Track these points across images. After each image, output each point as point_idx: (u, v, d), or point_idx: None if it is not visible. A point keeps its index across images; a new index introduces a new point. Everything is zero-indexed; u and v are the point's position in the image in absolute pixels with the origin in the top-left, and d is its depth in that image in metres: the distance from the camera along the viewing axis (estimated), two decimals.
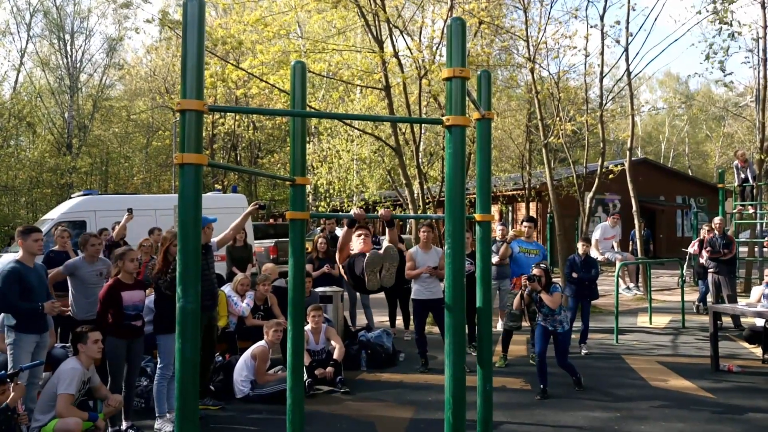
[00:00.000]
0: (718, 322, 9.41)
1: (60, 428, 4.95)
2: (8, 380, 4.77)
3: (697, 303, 12.27)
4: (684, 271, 12.27)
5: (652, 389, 7.04)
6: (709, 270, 10.92)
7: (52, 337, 6.06)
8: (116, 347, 5.62)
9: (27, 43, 34.88)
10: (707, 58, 15.30)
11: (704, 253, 11.06)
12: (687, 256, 14.32)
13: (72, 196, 15.42)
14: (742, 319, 10.53)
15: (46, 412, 5.10)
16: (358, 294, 10.32)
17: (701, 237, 11.74)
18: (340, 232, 11.77)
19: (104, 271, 6.33)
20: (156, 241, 9.54)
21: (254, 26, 12.13)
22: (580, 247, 9.15)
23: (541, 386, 6.83)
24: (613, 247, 11.51)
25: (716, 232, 10.79)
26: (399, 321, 10.33)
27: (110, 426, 5.59)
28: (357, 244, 4.94)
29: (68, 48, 34.51)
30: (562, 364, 6.99)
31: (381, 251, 4.37)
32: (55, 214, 13.40)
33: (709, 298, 11.29)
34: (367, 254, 4.35)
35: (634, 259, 13.32)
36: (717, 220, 11.07)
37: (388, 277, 4.33)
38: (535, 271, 6.95)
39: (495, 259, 9.47)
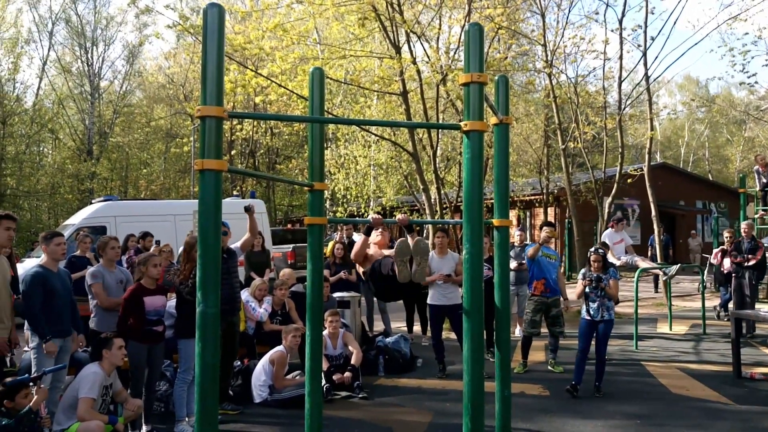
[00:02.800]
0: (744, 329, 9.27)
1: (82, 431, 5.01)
2: (31, 383, 4.83)
3: (718, 309, 12.13)
4: (704, 277, 12.11)
5: (673, 396, 6.97)
6: (733, 275, 10.67)
7: (75, 341, 6.13)
8: (138, 352, 5.67)
9: (49, 51, 35.46)
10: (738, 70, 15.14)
11: (726, 259, 10.86)
12: (707, 262, 14.15)
13: (93, 201, 15.61)
14: (762, 325, 10.40)
15: (68, 415, 5.15)
16: (375, 299, 10.32)
17: (723, 247, 11.54)
18: (357, 237, 11.78)
19: (123, 279, 6.39)
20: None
21: (273, 32, 12.22)
22: None
23: (573, 382, 6.91)
24: (626, 251, 11.30)
25: (744, 236, 10.55)
26: (417, 327, 10.32)
27: (131, 430, 5.64)
28: (374, 236, 4.94)
29: (89, 56, 35.02)
30: (601, 352, 7.03)
31: (411, 242, 4.34)
32: (77, 219, 13.56)
33: (731, 305, 11.11)
34: (396, 243, 4.34)
35: (649, 264, 13.06)
36: (744, 224, 10.79)
37: (420, 272, 4.30)
38: (593, 257, 7.13)
39: (513, 264, 9.44)
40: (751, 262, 10.30)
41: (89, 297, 6.26)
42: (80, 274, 7.45)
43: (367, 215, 22.54)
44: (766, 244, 10.79)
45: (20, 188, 32.08)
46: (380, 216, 4.59)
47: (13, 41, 32.17)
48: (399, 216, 4.40)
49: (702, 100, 42.00)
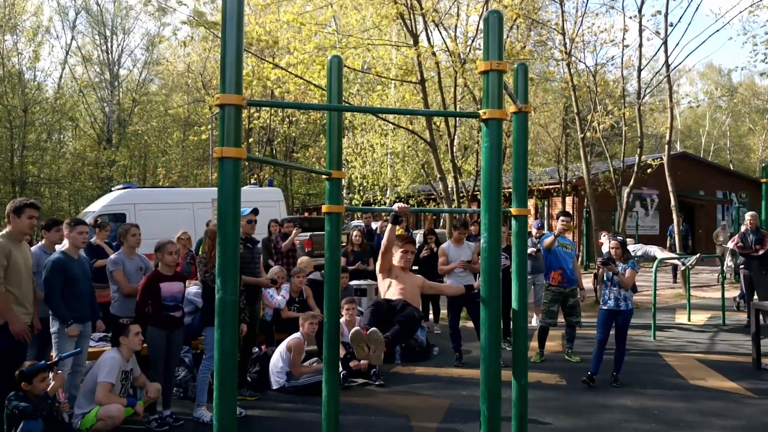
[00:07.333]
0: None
1: (102, 415, 5.09)
2: (48, 369, 4.90)
3: (737, 300, 12.00)
4: (724, 267, 11.98)
5: (691, 387, 6.93)
6: (740, 266, 10.65)
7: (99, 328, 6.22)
8: (156, 337, 5.74)
9: (72, 40, 35.77)
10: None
11: (735, 249, 10.79)
12: (728, 252, 13.98)
13: (112, 189, 15.77)
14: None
15: (88, 400, 5.24)
16: None
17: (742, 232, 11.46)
18: (375, 225, 11.72)
19: (143, 266, 6.45)
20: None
21: (291, 23, 12.24)
22: None
23: (590, 372, 6.92)
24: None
25: (749, 227, 10.52)
26: (429, 315, 10.32)
27: (150, 414, 5.72)
28: (397, 257, 4.91)
29: (108, 44, 35.25)
30: (621, 342, 7.00)
31: (367, 333, 4.34)
32: (97, 206, 13.72)
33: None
34: (352, 331, 4.38)
35: (666, 254, 12.91)
36: (749, 215, 10.77)
37: (375, 357, 4.34)
38: (612, 244, 7.10)
39: (531, 250, 9.39)
40: (760, 252, 10.23)
41: (110, 283, 6.33)
42: (103, 263, 7.52)
43: (383, 203, 22.53)
44: None
45: (42, 176, 32.46)
46: (406, 206, 4.52)
47: (34, 30, 32.46)
48: (398, 204, 4.36)
49: (724, 89, 41.35)
